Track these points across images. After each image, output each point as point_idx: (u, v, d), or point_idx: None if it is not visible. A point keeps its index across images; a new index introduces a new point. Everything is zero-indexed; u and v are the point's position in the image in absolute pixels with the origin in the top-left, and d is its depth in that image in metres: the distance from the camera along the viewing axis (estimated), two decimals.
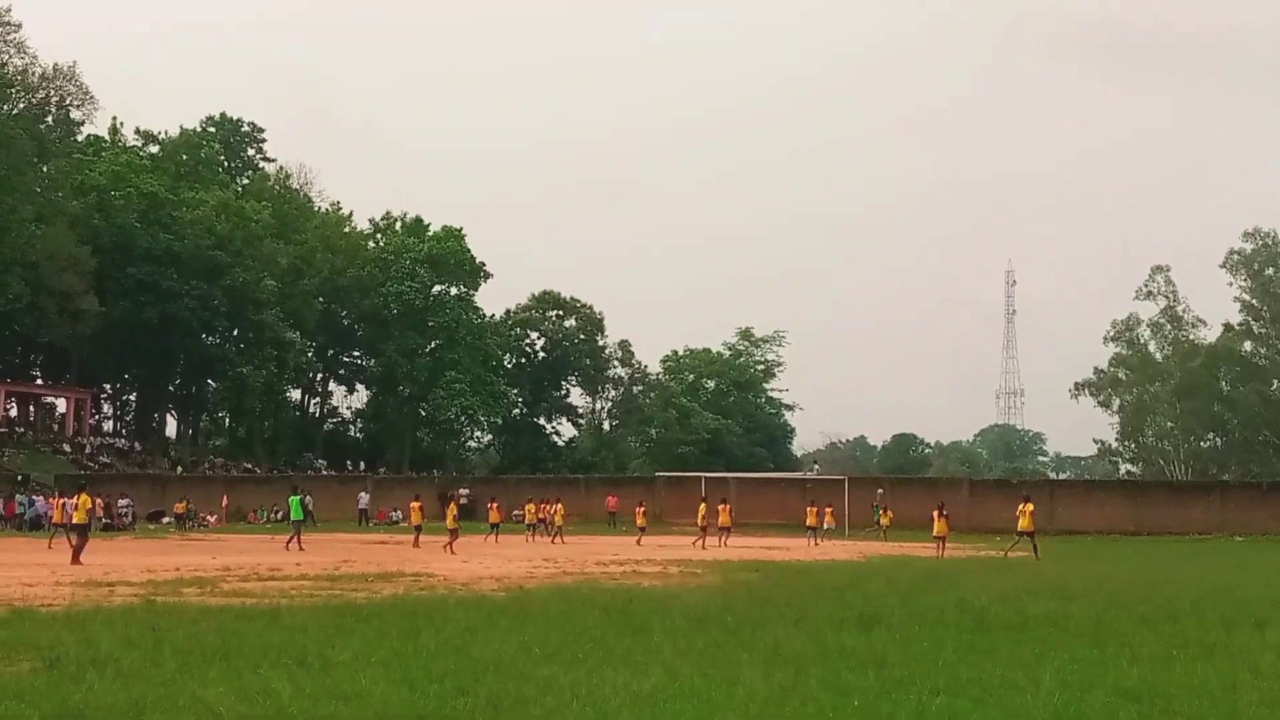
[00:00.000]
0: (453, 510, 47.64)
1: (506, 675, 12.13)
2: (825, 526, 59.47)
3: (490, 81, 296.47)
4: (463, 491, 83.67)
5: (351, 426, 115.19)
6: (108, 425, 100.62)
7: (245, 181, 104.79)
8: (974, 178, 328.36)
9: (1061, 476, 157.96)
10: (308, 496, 51.68)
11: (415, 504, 51.30)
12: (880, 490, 74.57)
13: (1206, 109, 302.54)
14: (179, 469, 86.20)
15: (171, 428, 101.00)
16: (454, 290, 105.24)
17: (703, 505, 53.54)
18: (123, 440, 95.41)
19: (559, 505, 57.74)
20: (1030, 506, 45.87)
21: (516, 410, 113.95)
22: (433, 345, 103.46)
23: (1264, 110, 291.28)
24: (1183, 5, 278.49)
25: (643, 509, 57.54)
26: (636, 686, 11.42)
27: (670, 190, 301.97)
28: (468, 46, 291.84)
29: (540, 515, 60.14)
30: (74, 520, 36.50)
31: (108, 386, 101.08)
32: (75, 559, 33.04)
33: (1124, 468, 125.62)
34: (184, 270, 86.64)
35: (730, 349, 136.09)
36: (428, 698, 10.80)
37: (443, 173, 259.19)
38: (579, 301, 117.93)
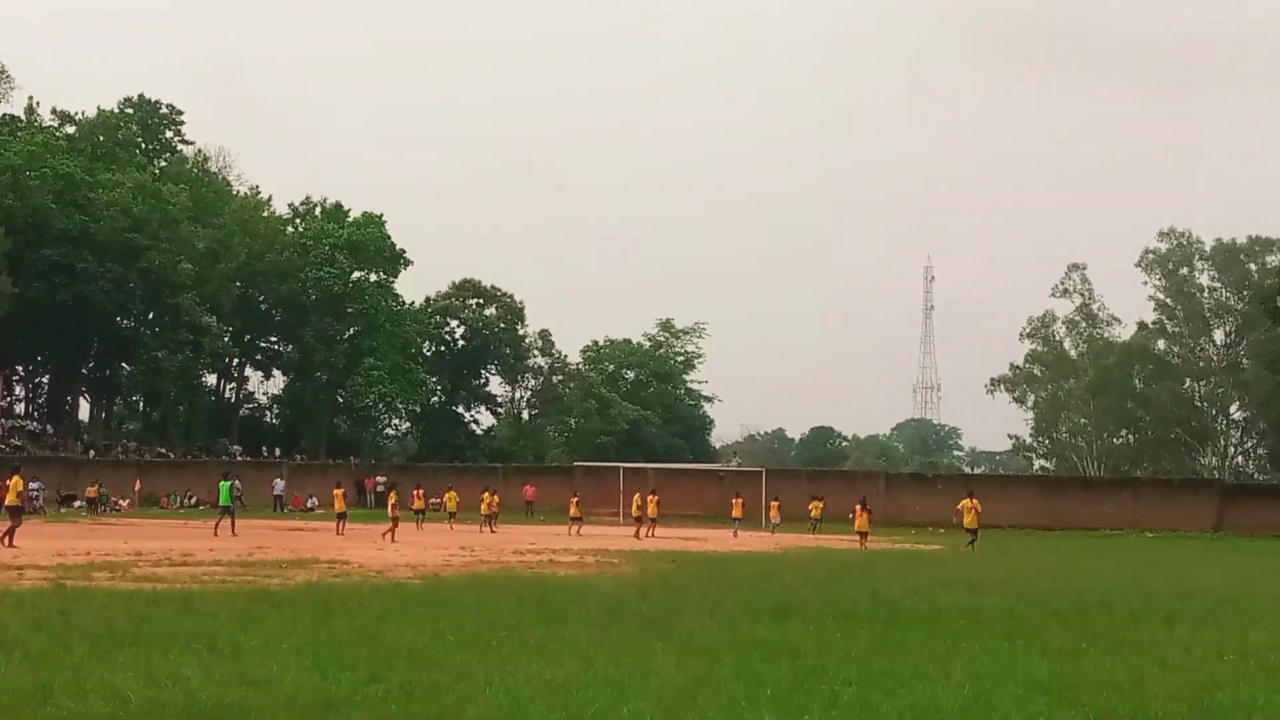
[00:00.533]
0: (394, 499, 47.07)
1: (419, 663, 12.10)
2: (773, 520, 60.10)
3: (412, 65, 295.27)
4: (380, 479, 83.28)
5: (268, 412, 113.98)
6: (19, 408, 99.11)
7: (163, 164, 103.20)
8: (895, 174, 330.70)
9: (977, 471, 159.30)
10: (237, 482, 51.33)
11: (338, 491, 50.90)
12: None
13: (1125, 109, 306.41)
14: (91, 453, 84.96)
15: (84, 411, 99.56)
16: (374, 277, 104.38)
17: (637, 496, 53.55)
18: (34, 423, 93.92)
19: (495, 495, 57.42)
20: (975, 503, 46.01)
21: (435, 398, 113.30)
22: (351, 332, 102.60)
23: (1181, 111, 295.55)
24: (1103, 6, 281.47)
25: (577, 499, 57.19)
26: (550, 675, 11.42)
27: (592, 180, 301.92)
28: (388, 29, 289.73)
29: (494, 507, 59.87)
30: (6, 503, 35.64)
31: (20, 369, 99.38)
32: (10, 541, 32.56)
33: (1038, 463, 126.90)
34: (99, 252, 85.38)
35: (650, 340, 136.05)
36: (339, 685, 10.75)
37: (363, 158, 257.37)
38: (499, 290, 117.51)
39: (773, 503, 61.14)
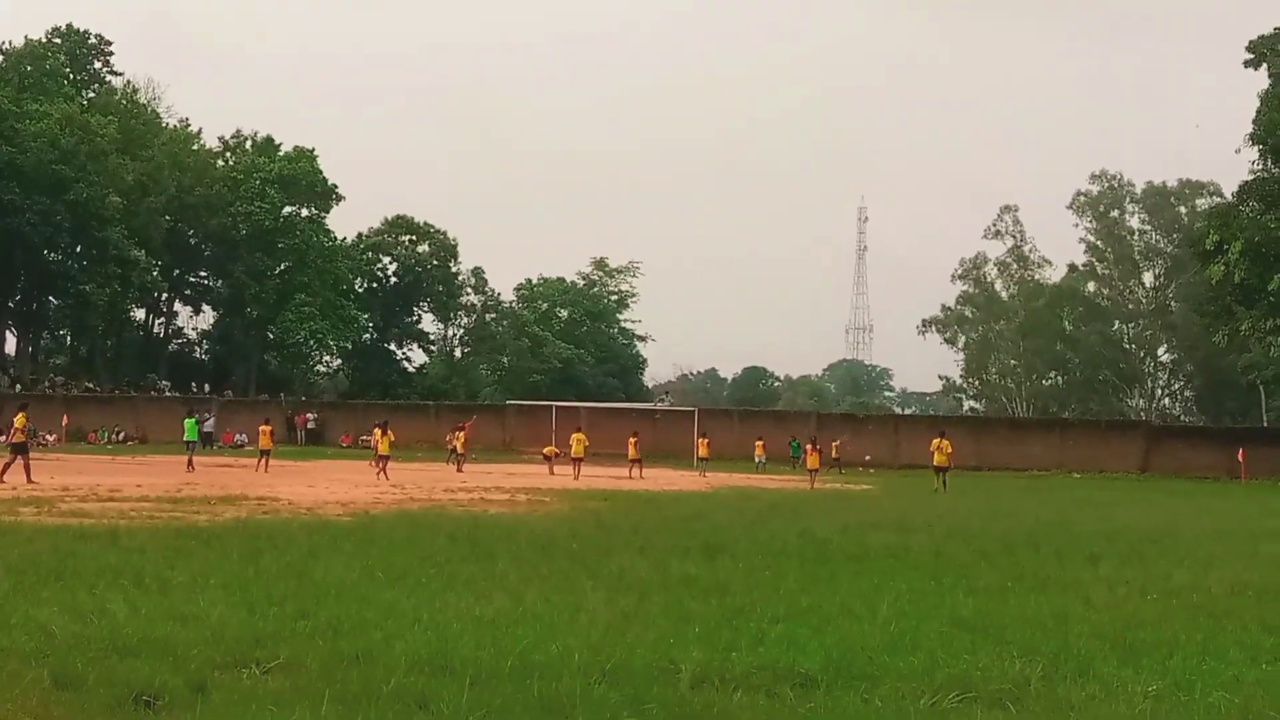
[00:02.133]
0: (385, 436, 46.55)
1: (348, 599, 12.08)
2: (759, 459, 61.61)
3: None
4: (311, 416, 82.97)
5: (197, 348, 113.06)
6: None
7: (91, 95, 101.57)
8: (830, 114, 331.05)
9: (907, 412, 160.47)
10: (210, 417, 51.39)
11: (264, 428, 50.66)
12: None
13: (1058, 51, 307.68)
14: (17, 386, 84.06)
15: (10, 345, 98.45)
16: (305, 212, 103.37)
17: (577, 434, 52.76)
18: None
19: (462, 431, 57.14)
20: (945, 444, 46.97)
21: (367, 335, 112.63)
22: (282, 267, 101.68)
23: (1114, 54, 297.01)
24: None
25: (553, 448, 57.17)
26: (479, 611, 11.44)
27: (526, 117, 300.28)
28: None
29: (454, 442, 59.71)
30: (12, 440, 35.69)
31: None
32: (28, 478, 32.69)
33: (968, 404, 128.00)
34: (26, 184, 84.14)
35: (584, 279, 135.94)
36: (267, 620, 10.72)
37: (292, 90, 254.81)
38: (432, 227, 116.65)
39: (758, 441, 63.12)
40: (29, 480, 32.36)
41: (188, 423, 49.38)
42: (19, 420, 35.41)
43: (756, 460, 63.14)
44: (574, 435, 52.31)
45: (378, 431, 47.46)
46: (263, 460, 47.87)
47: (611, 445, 61.64)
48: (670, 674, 8.95)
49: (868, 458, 66.78)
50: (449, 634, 10.24)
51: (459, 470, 51.90)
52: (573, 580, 14.00)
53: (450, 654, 9.31)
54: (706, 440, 59.36)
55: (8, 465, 33.61)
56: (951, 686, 8.70)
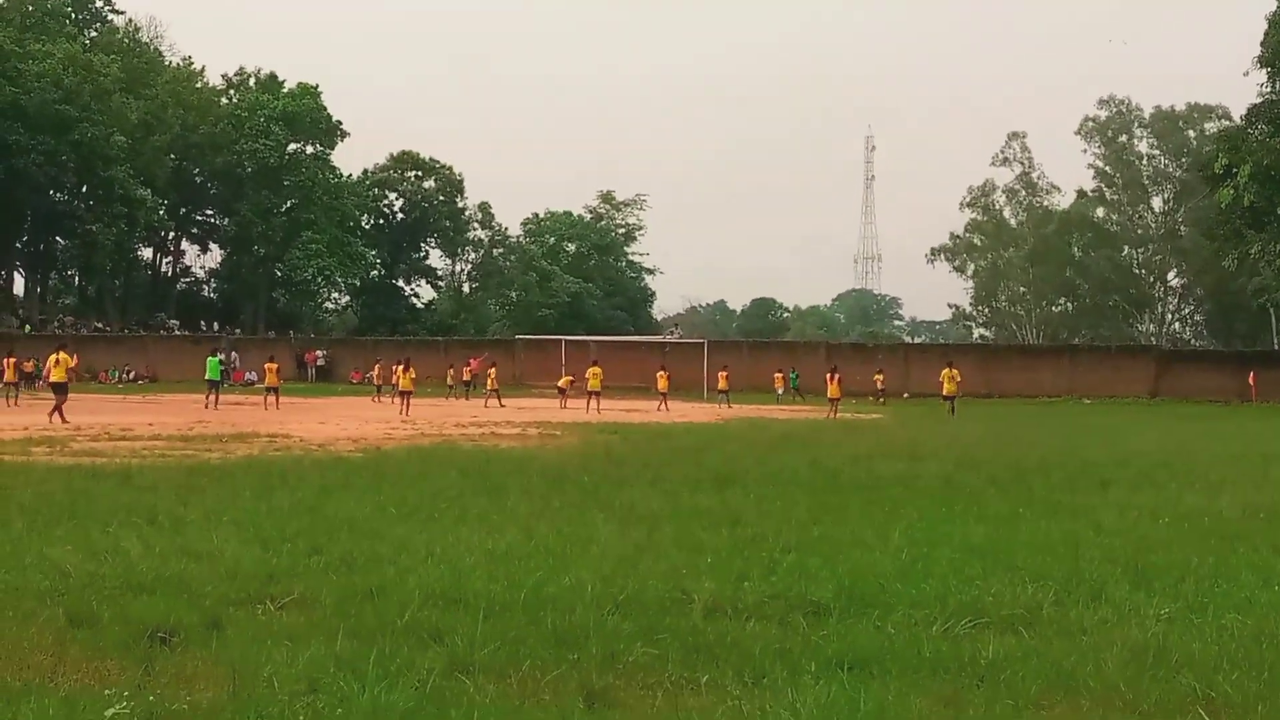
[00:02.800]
0: (406, 373, 46.87)
1: (360, 535, 12.12)
2: (781, 391, 62.19)
3: None
4: (321, 353, 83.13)
5: (205, 286, 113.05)
6: None
7: (93, 34, 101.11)
8: (838, 41, 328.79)
9: (917, 340, 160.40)
10: (234, 354, 51.68)
11: (270, 365, 50.92)
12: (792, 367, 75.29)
13: None
14: (27, 327, 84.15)
15: (19, 286, 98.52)
16: (310, 149, 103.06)
17: (593, 368, 52.70)
18: None
19: (493, 369, 57.39)
20: (955, 372, 47.99)
21: (375, 272, 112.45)
22: (288, 205, 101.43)
23: None
24: None
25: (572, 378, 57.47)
26: (491, 545, 11.46)
27: (530, 48, 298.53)
28: None
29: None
30: (52, 379, 37.31)
31: None
32: (59, 416, 33.60)
33: (977, 332, 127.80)
34: (30, 125, 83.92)
35: (591, 212, 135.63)
36: (280, 556, 10.75)
37: (295, 27, 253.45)
38: (438, 162, 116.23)
39: (777, 374, 63.59)
40: (62, 420, 32.88)
41: (210, 361, 48.84)
42: (61, 358, 36.24)
43: (779, 393, 63.43)
44: (590, 369, 52.30)
45: (399, 368, 47.86)
46: (270, 397, 48.04)
47: (622, 378, 61.87)
48: (683, 604, 8.97)
49: (878, 379, 66.41)
50: (461, 568, 10.27)
51: (500, 404, 52.67)
52: (584, 513, 14.03)
53: (463, 587, 9.34)
54: (726, 373, 59.17)
55: (57, 407, 34.31)
56: (963, 613, 8.72)
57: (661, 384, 54.50)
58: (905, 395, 67.20)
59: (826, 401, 49.16)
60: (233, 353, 52.20)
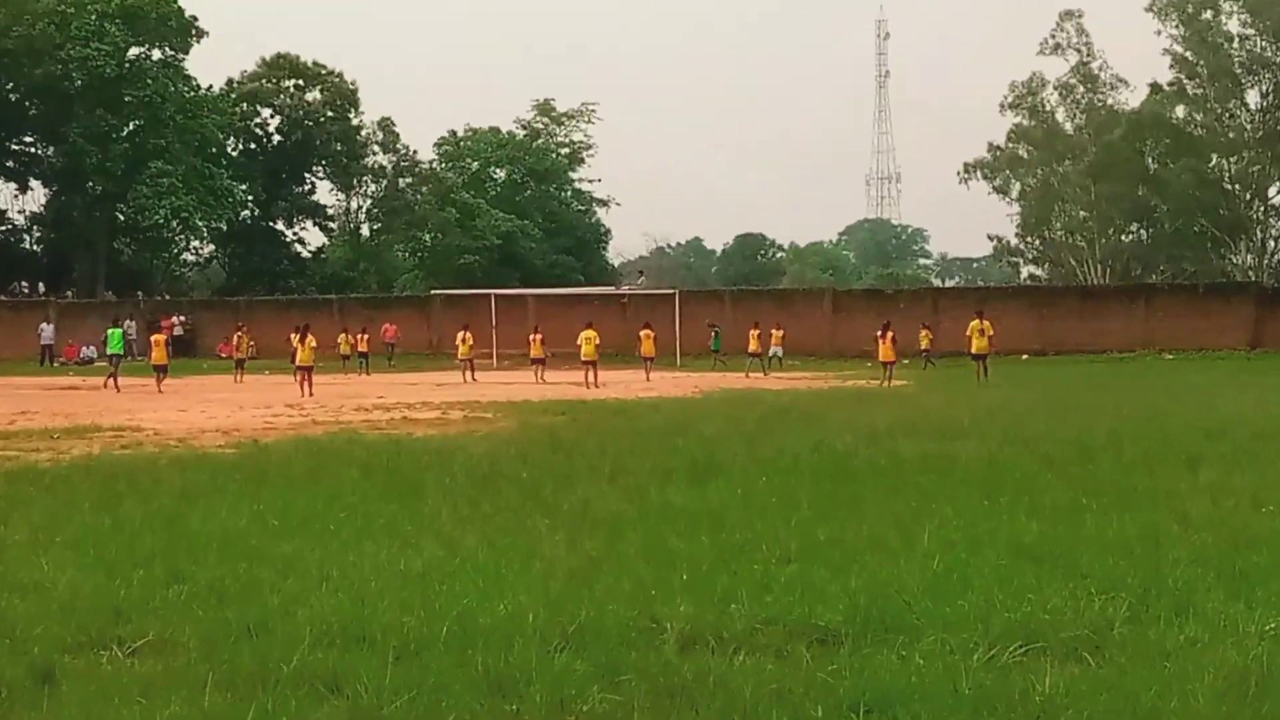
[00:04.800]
0: (305, 343, 47.40)
1: (235, 554, 12.09)
2: (771, 351, 61.94)
3: None
4: (179, 319, 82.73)
5: (26, 236, 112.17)
6: None
7: None
8: None
9: (949, 283, 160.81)
10: (130, 325, 52.85)
11: (158, 336, 52.00)
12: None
13: None
14: None
15: None
16: (157, 54, 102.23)
17: (587, 331, 53.12)
18: None
19: (538, 335, 57.60)
20: (985, 325, 47.82)
21: (246, 212, 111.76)
22: (131, 128, 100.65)
23: None
24: None
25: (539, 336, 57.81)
26: (405, 564, 11.47)
27: None
28: None
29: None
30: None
31: None
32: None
33: (1026, 270, 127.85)
34: None
35: (525, 128, 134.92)
36: (130, 586, 10.72)
37: None
38: (323, 68, 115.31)
39: (773, 331, 63.14)
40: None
41: (113, 333, 51.13)
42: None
43: (773, 353, 63.31)
44: (584, 332, 52.39)
45: (295, 337, 48.00)
46: (160, 378, 48.59)
47: (570, 342, 61.86)
48: (652, 635, 9.00)
49: (925, 336, 66.20)
50: (367, 593, 10.28)
51: (472, 378, 54.23)
52: (524, 519, 14.05)
53: (368, 620, 9.34)
54: (651, 333, 59.20)
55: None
56: (1012, 636, 8.76)
57: (646, 347, 54.78)
58: (922, 352, 66.86)
59: (879, 365, 49.49)
60: (129, 321, 53.64)
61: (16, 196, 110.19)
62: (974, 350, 48.19)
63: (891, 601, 9.75)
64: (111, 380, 48.61)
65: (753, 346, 59.73)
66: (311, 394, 43.23)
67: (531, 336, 56.15)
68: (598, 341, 52.49)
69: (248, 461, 20.54)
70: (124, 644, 8.97)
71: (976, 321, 48.59)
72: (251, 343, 62.38)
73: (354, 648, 8.75)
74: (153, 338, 52.53)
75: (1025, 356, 70.41)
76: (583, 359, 51.57)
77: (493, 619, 9.36)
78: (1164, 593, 10.04)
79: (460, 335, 59.02)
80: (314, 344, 47.55)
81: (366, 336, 65.75)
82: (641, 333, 56.36)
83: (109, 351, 51.40)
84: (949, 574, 10.78)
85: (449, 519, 14.05)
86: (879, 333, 50.09)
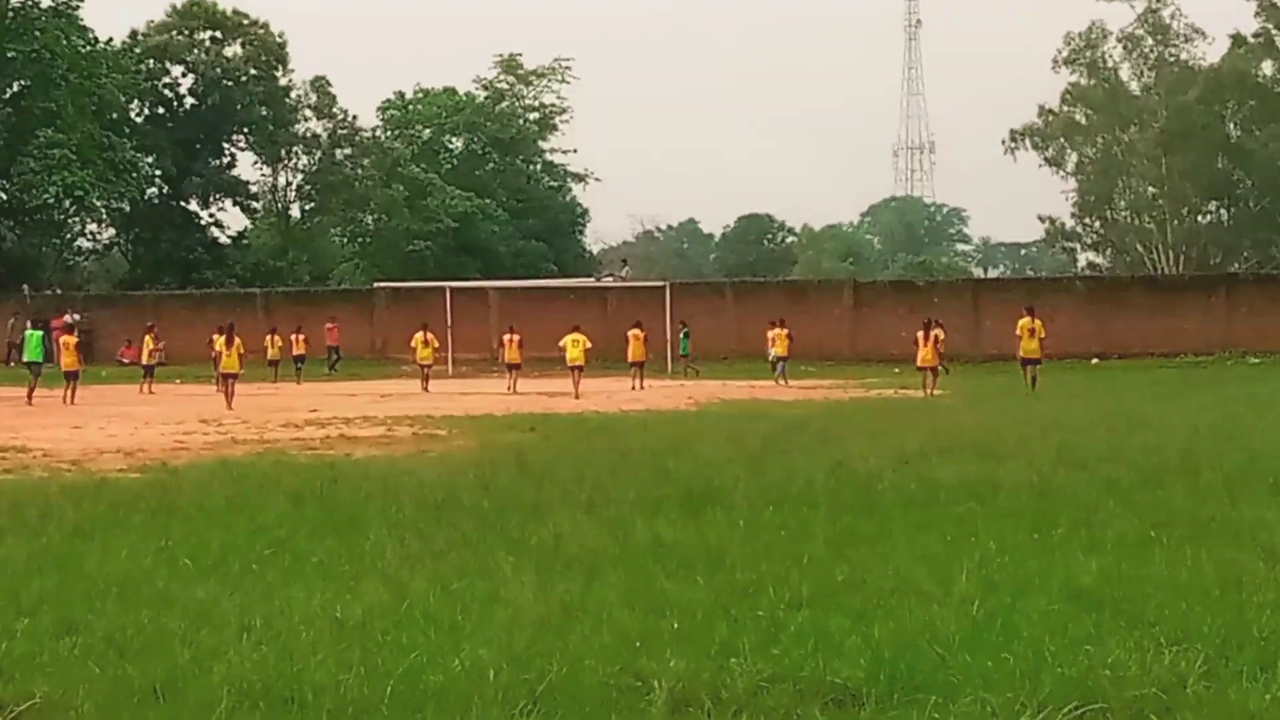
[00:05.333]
0: (231, 347, 47.76)
1: (139, 600, 12.10)
2: (772, 356, 62.08)
3: None
4: (72, 317, 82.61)
5: None
6: None
7: None
8: None
9: (993, 273, 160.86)
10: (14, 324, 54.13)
11: (69, 339, 52.27)
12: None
13: None
14: None
15: None
16: (46, 1, 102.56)
17: (573, 334, 53.49)
18: None
19: (515, 335, 57.69)
20: (1037, 324, 47.74)
21: (153, 189, 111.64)
22: (16, 89, 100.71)
23: None
24: None
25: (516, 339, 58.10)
26: (341, 611, 11.48)
27: None
28: None
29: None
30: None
31: None
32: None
33: (1084, 258, 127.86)
34: None
35: (487, 89, 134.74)
36: (13, 638, 10.73)
37: None
38: (245, 17, 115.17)
39: (779, 330, 63.03)
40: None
41: (32, 335, 52.47)
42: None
43: (772, 358, 63.32)
44: (570, 335, 52.78)
45: (219, 339, 48.27)
46: (70, 388, 48.89)
47: (543, 344, 61.98)
48: (636, 695, 9.02)
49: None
50: (296, 647, 10.28)
51: (514, 389, 54.31)
52: (484, 557, 14.08)
53: (298, 678, 9.34)
54: (642, 333, 59.36)
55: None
56: (1066, 695, 8.79)
57: (635, 350, 54.94)
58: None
59: (918, 372, 49.63)
60: (13, 320, 55.40)
61: None
62: (1022, 353, 48.06)
63: (922, 655, 9.77)
64: (34, 392, 48.92)
65: (780, 350, 59.91)
66: (232, 406, 43.53)
67: (506, 338, 56.24)
68: (588, 345, 52.77)
69: (155, 489, 20.51)
70: (5, 709, 8.97)
71: (1026, 320, 48.38)
72: (160, 346, 62.35)
73: (281, 711, 8.76)
74: (62, 339, 52.73)
75: (1095, 361, 70.43)
76: (570, 363, 52.14)
77: (446, 676, 9.37)
78: (1247, 643, 10.07)
79: (419, 336, 59.15)
80: (241, 348, 47.68)
81: (304, 337, 65.86)
82: (630, 333, 56.50)
83: (26, 359, 51.95)
84: (991, 622, 10.80)
85: (395, 557, 14.06)
86: (920, 332, 50.12)
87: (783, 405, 41.30)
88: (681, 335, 68.31)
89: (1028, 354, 47.80)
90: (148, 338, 59.95)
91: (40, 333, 52.61)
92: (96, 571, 13.43)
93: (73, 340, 52.28)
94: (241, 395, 45.79)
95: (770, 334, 64.27)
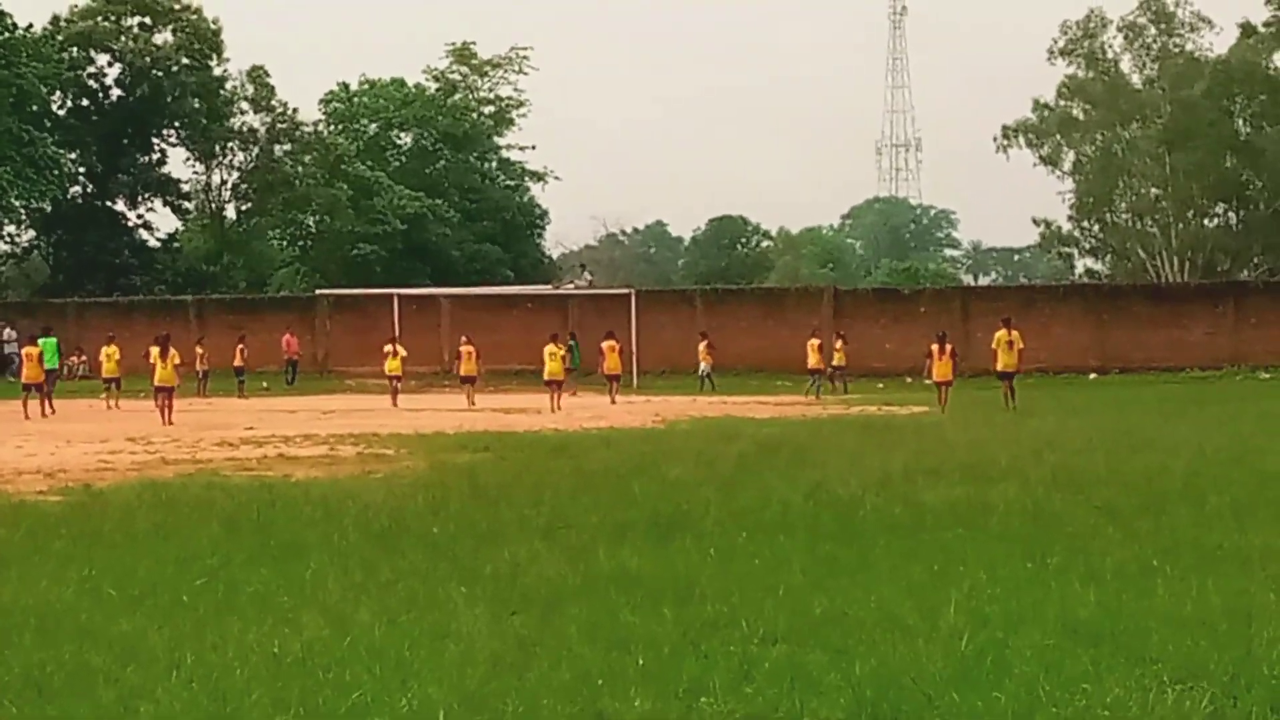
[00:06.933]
0: (166, 360, 48.03)
1: (59, 635, 12.08)
2: (701, 369, 62.32)
3: None
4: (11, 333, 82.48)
5: None
6: None
7: None
8: None
9: (983, 280, 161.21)
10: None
11: (32, 349, 52.60)
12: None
13: None
14: None
15: None
16: None
17: (551, 346, 53.84)
18: None
19: (470, 347, 57.73)
20: (1015, 335, 47.99)
21: (76, 188, 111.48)
22: None
23: None
24: None
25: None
26: (279, 647, 11.47)
27: None
28: None
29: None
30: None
31: None
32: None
33: (1082, 264, 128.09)
34: None
35: (437, 80, 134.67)
36: None
37: None
38: (177, 2, 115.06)
39: (812, 341, 63.51)
40: None
41: (46, 344, 54.18)
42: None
43: (701, 371, 63.36)
44: (547, 348, 53.19)
45: (155, 351, 48.56)
46: (43, 401, 50.08)
47: (500, 356, 62.04)
48: None
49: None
50: (229, 686, 10.27)
51: (471, 402, 54.50)
52: (434, 588, 14.07)
53: (232, 719, 9.33)
54: (617, 344, 59.63)
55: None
56: None
57: (610, 363, 55.11)
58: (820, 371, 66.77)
59: (933, 386, 49.82)
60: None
61: None
62: (1000, 367, 48.21)
63: (907, 693, 9.79)
64: (49, 404, 50.67)
65: (812, 362, 60.14)
66: (171, 422, 44.14)
67: (461, 348, 56.27)
68: (564, 357, 52.94)
69: (77, 513, 20.50)
70: None
71: (1004, 332, 48.60)
72: (83, 359, 62.45)
73: None
74: (24, 350, 53.17)
75: (1093, 375, 70.65)
76: (546, 378, 52.70)
77: (393, 717, 9.36)
78: (1256, 682, 10.10)
79: (388, 347, 59.46)
80: (177, 359, 47.87)
81: (243, 348, 65.92)
82: (604, 345, 56.71)
83: (45, 367, 53.01)
84: (981, 658, 10.83)
85: (337, 588, 14.06)
86: (934, 345, 50.27)
87: (756, 423, 41.28)
88: (570, 346, 68.07)
89: (1006, 368, 47.95)
90: (154, 350, 59.39)
91: (54, 340, 54.89)
92: (13, 603, 13.42)
93: (35, 351, 52.64)
94: (175, 410, 45.84)
95: (703, 346, 64.73)
